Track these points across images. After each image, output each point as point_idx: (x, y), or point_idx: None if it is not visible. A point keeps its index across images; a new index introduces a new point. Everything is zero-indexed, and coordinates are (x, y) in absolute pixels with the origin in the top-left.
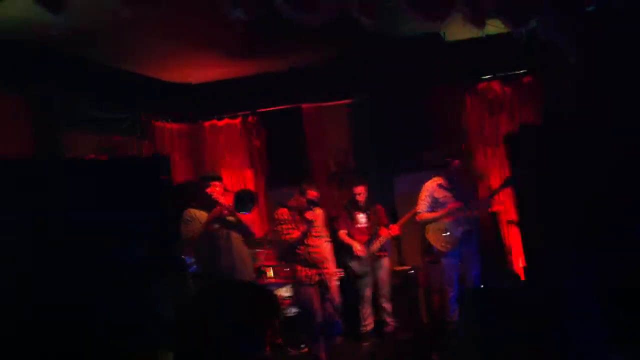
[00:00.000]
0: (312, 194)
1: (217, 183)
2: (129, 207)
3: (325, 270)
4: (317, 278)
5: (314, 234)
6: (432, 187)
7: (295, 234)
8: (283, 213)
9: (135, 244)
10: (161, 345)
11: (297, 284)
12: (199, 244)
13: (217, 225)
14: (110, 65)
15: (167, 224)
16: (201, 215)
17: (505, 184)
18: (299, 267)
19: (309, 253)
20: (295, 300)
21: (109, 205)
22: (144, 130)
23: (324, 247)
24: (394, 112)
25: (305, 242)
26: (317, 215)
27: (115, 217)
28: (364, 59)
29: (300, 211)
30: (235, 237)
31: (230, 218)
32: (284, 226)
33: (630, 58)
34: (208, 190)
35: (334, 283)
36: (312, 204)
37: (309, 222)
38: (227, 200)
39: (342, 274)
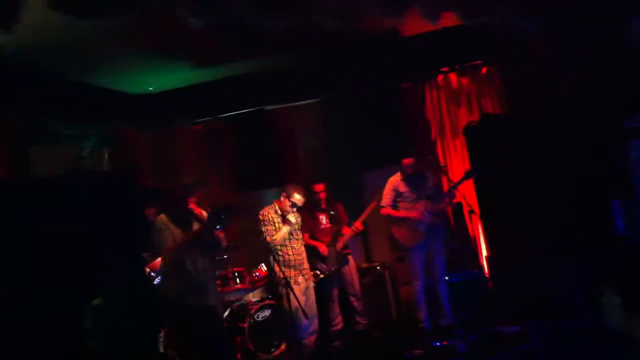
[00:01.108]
0: (296, 197)
1: (192, 192)
2: (99, 222)
3: (305, 271)
4: (298, 279)
5: (295, 236)
6: (395, 181)
7: (278, 236)
8: (266, 214)
9: (107, 260)
10: None
11: (279, 286)
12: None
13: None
14: (74, 80)
15: (137, 237)
16: (174, 226)
17: (466, 176)
18: (278, 269)
19: (289, 255)
20: (274, 301)
21: (78, 221)
22: (111, 142)
23: (302, 249)
24: (360, 110)
25: (286, 243)
26: (298, 218)
27: (86, 233)
28: (326, 59)
29: (282, 213)
30: (204, 252)
31: (206, 238)
32: (267, 227)
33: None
34: (187, 201)
35: (311, 285)
36: (294, 206)
37: (291, 224)
38: (203, 211)
39: (316, 278)
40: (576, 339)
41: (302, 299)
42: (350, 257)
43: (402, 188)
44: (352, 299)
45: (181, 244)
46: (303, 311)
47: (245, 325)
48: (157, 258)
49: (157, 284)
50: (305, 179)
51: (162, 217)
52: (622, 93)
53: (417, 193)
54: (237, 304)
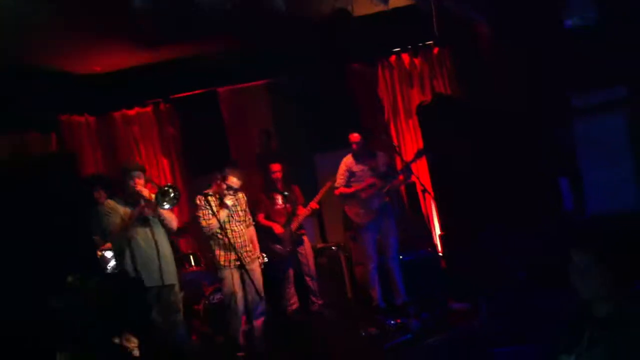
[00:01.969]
0: (232, 180)
1: (139, 174)
2: (39, 208)
3: (246, 255)
4: (237, 263)
5: (236, 218)
6: (349, 161)
7: (214, 220)
8: (202, 198)
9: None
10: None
11: (217, 269)
12: (120, 241)
13: (138, 223)
14: (16, 62)
15: (80, 223)
16: (123, 209)
17: (418, 155)
18: (219, 252)
19: (228, 238)
20: (220, 286)
21: (17, 208)
22: (55, 126)
23: (245, 232)
24: (313, 90)
25: (226, 227)
26: (238, 200)
27: (26, 220)
28: (278, 39)
29: (219, 196)
30: (158, 233)
31: (149, 212)
32: (204, 212)
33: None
34: (131, 183)
35: (256, 267)
36: (230, 189)
37: (228, 208)
38: (150, 192)
39: (264, 259)
40: (524, 313)
41: (236, 283)
42: (305, 238)
43: (355, 168)
44: (308, 279)
45: (128, 223)
46: (237, 296)
47: (200, 307)
48: (107, 241)
49: (112, 267)
50: (259, 161)
51: (110, 201)
52: (568, 72)
53: (370, 172)
54: (191, 286)
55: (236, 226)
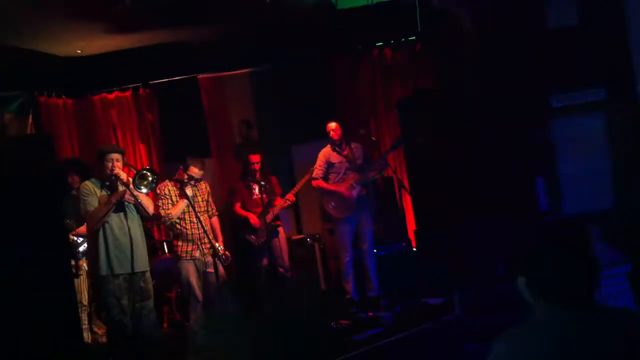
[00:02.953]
0: (194, 170)
1: (117, 156)
2: (13, 190)
3: (205, 246)
4: (195, 254)
5: (196, 209)
6: (327, 152)
7: (172, 210)
8: (163, 187)
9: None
10: None
11: (176, 259)
12: (93, 226)
13: (113, 206)
14: None
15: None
16: (100, 191)
17: (393, 146)
18: (178, 243)
19: (187, 228)
20: (176, 275)
21: None
22: (32, 107)
23: (206, 222)
24: (294, 81)
25: (185, 217)
26: (200, 190)
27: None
28: (261, 28)
29: (180, 186)
30: (131, 218)
31: (129, 198)
32: (163, 201)
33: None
34: (108, 165)
35: (220, 258)
36: (192, 179)
37: (188, 198)
38: (128, 175)
39: (223, 252)
40: (497, 308)
41: (192, 274)
42: (280, 229)
43: (334, 158)
44: (281, 270)
45: (106, 206)
46: (193, 287)
47: (172, 295)
48: (82, 225)
49: (83, 251)
50: (237, 151)
51: (88, 183)
52: (548, 72)
53: (348, 164)
54: (164, 274)
55: (196, 217)
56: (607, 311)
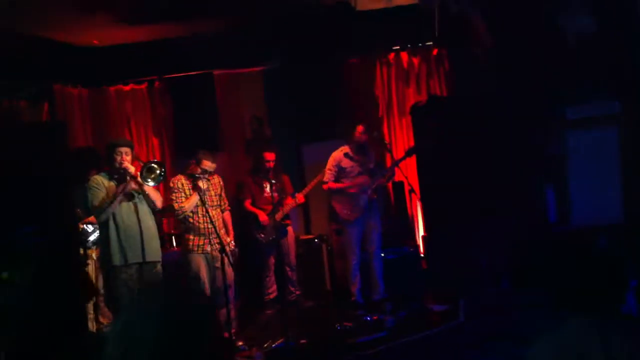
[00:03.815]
0: (206, 163)
1: (127, 150)
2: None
3: (216, 240)
4: (207, 248)
5: (209, 203)
6: (338, 157)
7: (186, 203)
8: (176, 181)
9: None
10: None
11: (186, 252)
12: (103, 216)
13: (123, 197)
14: (12, 29)
15: (65, 194)
16: (108, 183)
17: (408, 154)
18: (189, 236)
19: (199, 222)
20: (185, 269)
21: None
22: (48, 95)
23: (218, 216)
24: (308, 81)
25: (198, 210)
26: (213, 184)
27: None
28: (278, 26)
29: (193, 179)
30: (142, 209)
31: (137, 189)
32: (176, 194)
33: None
34: (117, 158)
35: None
36: (205, 173)
37: (201, 191)
38: (137, 169)
39: (234, 247)
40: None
41: (203, 268)
42: (289, 229)
43: (345, 163)
44: (287, 269)
45: (114, 197)
46: (203, 281)
47: None
48: (91, 215)
49: (94, 240)
50: (248, 146)
51: (96, 176)
52: (564, 84)
53: (360, 169)
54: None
55: (209, 211)
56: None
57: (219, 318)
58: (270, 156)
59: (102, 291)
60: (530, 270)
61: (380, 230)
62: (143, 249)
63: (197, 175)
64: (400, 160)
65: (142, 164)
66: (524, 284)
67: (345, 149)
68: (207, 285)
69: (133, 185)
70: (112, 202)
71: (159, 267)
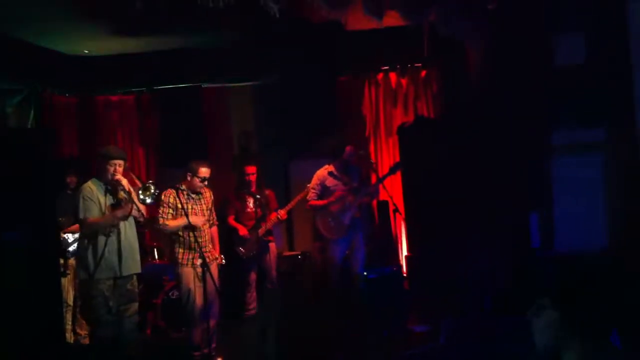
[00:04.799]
0: (202, 170)
1: (120, 162)
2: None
3: (207, 254)
4: (196, 262)
5: (200, 217)
6: (322, 175)
7: (172, 222)
8: (168, 195)
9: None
10: None
11: (176, 266)
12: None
13: (118, 221)
14: (2, 33)
15: (48, 201)
16: (103, 197)
17: (391, 171)
18: (178, 250)
19: (189, 236)
20: (176, 282)
21: None
22: (36, 102)
23: (207, 231)
24: (296, 97)
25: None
26: (205, 198)
27: None
28: (268, 42)
29: (192, 192)
30: (126, 222)
31: (135, 214)
32: (164, 209)
33: (527, 57)
34: (110, 169)
35: (214, 267)
36: (205, 180)
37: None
38: (129, 181)
39: (223, 261)
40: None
41: (196, 282)
42: (271, 245)
43: (329, 182)
44: (269, 285)
45: (110, 221)
46: (194, 295)
47: (158, 301)
48: (74, 224)
49: (74, 251)
50: (235, 162)
51: (91, 185)
52: (551, 109)
53: (344, 187)
54: (152, 279)
55: (200, 226)
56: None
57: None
58: (250, 169)
59: (75, 302)
60: (513, 295)
61: (364, 249)
62: (121, 263)
63: (197, 185)
64: (385, 176)
65: (137, 180)
66: (507, 308)
67: (330, 167)
68: (198, 300)
69: (135, 212)
70: (109, 226)
71: (134, 278)
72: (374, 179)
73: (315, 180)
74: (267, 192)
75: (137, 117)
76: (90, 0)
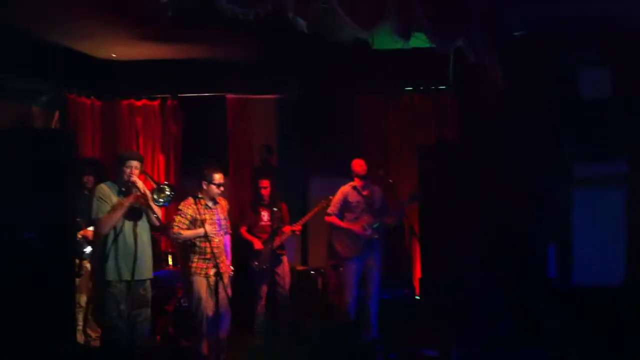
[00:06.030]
0: (216, 176)
1: (137, 164)
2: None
3: (221, 264)
4: (211, 271)
5: (216, 227)
6: (346, 190)
7: (187, 232)
8: (187, 206)
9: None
10: None
11: (188, 275)
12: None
13: (130, 215)
14: (28, 34)
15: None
16: (116, 197)
17: (412, 199)
18: (192, 258)
19: (205, 246)
20: (185, 291)
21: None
22: (61, 104)
23: (222, 241)
24: (320, 113)
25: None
26: (221, 207)
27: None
28: (295, 57)
29: (209, 201)
30: (141, 226)
31: (143, 202)
32: (180, 219)
33: (551, 85)
34: (127, 171)
35: (225, 278)
36: (220, 185)
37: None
38: (146, 184)
39: (232, 272)
40: None
41: (204, 292)
42: (284, 258)
43: (352, 197)
44: (279, 298)
45: (119, 209)
46: (204, 305)
47: (170, 308)
48: (92, 226)
49: (88, 253)
50: (254, 174)
51: (104, 187)
52: (574, 140)
53: (364, 206)
54: (165, 285)
55: (216, 236)
56: None
57: None
58: (264, 182)
59: (87, 304)
60: (526, 325)
61: (379, 270)
62: (135, 267)
63: (214, 192)
64: (406, 203)
65: (150, 181)
66: (520, 338)
67: (355, 183)
68: (208, 309)
69: (142, 200)
70: (118, 216)
71: (147, 283)
72: (392, 200)
73: (339, 194)
74: (281, 204)
75: (160, 123)
76: (120, 5)
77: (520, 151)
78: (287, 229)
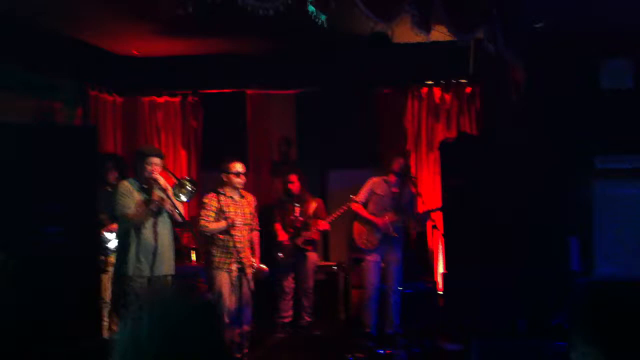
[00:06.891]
0: (236, 166)
1: (158, 161)
2: (53, 176)
3: (245, 259)
4: (232, 267)
5: (241, 221)
6: (377, 181)
7: (211, 225)
8: (210, 199)
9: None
10: None
11: (211, 269)
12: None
13: (152, 212)
14: (51, 29)
15: (90, 198)
16: (138, 193)
17: (437, 209)
18: (215, 252)
19: (228, 240)
20: (208, 285)
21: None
22: (84, 100)
23: (247, 236)
24: (339, 107)
25: (230, 230)
26: (247, 201)
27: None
28: (314, 51)
29: (233, 193)
30: (162, 222)
31: (169, 207)
32: (206, 212)
33: (573, 80)
34: (148, 167)
35: (249, 272)
36: (239, 174)
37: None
38: (167, 180)
39: (261, 266)
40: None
41: (227, 285)
42: (310, 254)
43: (381, 189)
44: (302, 294)
45: (145, 210)
46: (226, 298)
47: None
48: (115, 222)
49: (112, 249)
50: (274, 168)
51: (126, 183)
52: (596, 132)
53: (391, 201)
54: (187, 281)
55: (239, 230)
56: None
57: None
58: (292, 178)
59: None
60: (548, 319)
61: (401, 263)
62: (155, 263)
63: (235, 181)
64: (431, 211)
65: (172, 177)
66: (542, 332)
67: (387, 177)
68: (228, 303)
69: (168, 205)
70: (144, 215)
71: (169, 279)
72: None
73: (368, 184)
74: (314, 202)
75: (180, 119)
76: (141, 2)
77: (542, 143)
78: (314, 225)
